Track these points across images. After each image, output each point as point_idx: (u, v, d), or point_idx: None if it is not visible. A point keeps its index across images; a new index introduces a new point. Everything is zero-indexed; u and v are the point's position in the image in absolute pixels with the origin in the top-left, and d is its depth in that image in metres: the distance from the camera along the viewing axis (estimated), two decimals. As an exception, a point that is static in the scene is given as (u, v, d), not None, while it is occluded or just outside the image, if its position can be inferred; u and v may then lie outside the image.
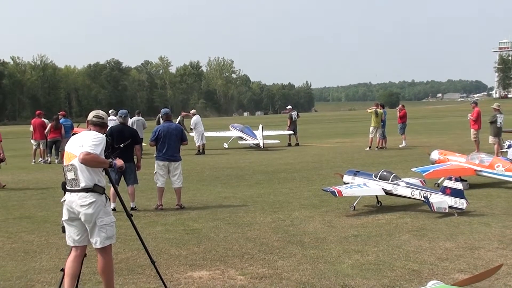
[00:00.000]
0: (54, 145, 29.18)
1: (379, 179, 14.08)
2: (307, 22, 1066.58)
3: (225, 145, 36.26)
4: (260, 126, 35.53)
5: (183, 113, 37.16)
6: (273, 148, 34.47)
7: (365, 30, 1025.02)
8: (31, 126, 29.85)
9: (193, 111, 35.26)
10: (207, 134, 34.29)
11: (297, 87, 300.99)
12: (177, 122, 31.03)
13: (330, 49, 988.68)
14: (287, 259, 9.52)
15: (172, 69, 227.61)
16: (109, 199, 7.60)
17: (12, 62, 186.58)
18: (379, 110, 31.63)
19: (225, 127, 40.38)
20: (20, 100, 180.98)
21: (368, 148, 31.04)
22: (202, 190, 17.94)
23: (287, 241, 10.76)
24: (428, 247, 10.08)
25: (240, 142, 36.08)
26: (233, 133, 37.99)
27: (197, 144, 32.16)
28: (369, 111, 32.31)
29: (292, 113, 37.03)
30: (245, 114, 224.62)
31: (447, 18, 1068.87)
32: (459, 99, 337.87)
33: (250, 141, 35.30)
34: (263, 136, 34.64)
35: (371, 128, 31.42)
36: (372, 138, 31.37)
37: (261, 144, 34.08)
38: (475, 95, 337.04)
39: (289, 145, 36.68)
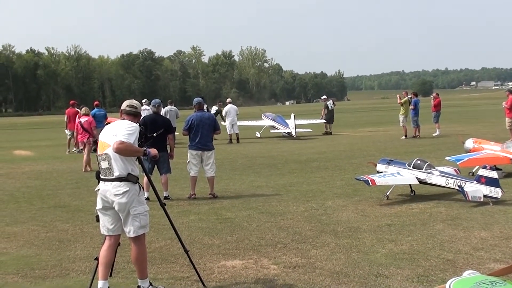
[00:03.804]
0: None
1: (412, 168, 13.93)
2: (340, 11, 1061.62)
3: (258, 134, 36.30)
4: (292, 115, 35.42)
5: (219, 103, 37.51)
6: (306, 137, 34.40)
7: (398, 19, 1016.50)
8: (66, 116, 30.12)
9: (228, 99, 35.53)
10: (239, 123, 34.34)
11: (330, 75, 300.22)
12: (213, 112, 31.53)
13: (362, 37, 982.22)
14: (320, 248, 9.48)
15: (205, 59, 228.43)
16: (143, 188, 7.61)
17: (46, 53, 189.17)
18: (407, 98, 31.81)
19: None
20: (55, 90, 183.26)
21: (404, 137, 30.78)
22: (235, 179, 17.97)
23: (320, 230, 10.72)
24: (462, 236, 9.97)
25: (272, 131, 36.01)
26: (265, 122, 37.89)
27: (228, 133, 32.37)
28: (402, 102, 31.86)
29: (328, 103, 37.01)
30: (287, 103, 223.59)
31: (481, 4, 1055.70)
32: (493, 87, 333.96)
33: (282, 130, 35.23)
34: (295, 125, 34.58)
35: (402, 118, 31.24)
36: (404, 126, 31.14)
37: (293, 133, 34.04)
38: (509, 83, 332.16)
39: (326, 133, 36.66)
